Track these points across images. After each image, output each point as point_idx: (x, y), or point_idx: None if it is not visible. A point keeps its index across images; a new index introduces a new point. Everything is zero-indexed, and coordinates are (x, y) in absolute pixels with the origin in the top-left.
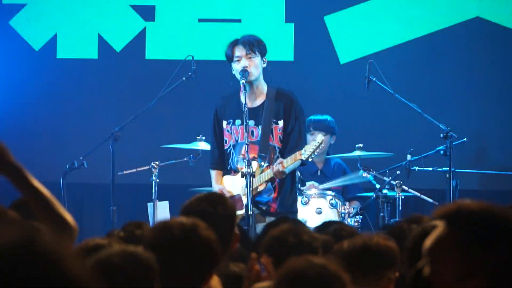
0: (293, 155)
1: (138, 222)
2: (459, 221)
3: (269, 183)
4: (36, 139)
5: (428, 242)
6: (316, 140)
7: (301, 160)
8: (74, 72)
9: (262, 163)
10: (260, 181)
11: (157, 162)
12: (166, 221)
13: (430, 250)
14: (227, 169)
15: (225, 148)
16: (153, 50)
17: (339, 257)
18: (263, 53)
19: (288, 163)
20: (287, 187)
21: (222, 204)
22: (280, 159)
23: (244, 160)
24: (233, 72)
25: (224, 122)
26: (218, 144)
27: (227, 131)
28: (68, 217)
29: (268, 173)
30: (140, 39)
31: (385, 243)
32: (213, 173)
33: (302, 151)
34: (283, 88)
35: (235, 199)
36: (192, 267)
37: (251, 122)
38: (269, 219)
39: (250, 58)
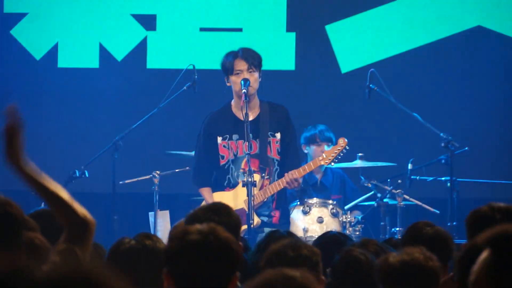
0: (310, 162)
1: (148, 233)
2: (503, 247)
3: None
4: (37, 148)
5: (474, 268)
6: (338, 144)
7: (324, 165)
8: (75, 81)
9: (263, 175)
10: (268, 193)
11: (158, 171)
12: (183, 228)
13: (476, 278)
14: (222, 185)
15: (222, 164)
16: (154, 59)
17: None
18: (260, 68)
19: (306, 171)
20: (285, 198)
21: (227, 214)
22: (294, 170)
23: (245, 174)
24: (229, 84)
25: (219, 138)
26: (208, 160)
27: (224, 146)
28: (85, 213)
29: (275, 186)
30: (141, 48)
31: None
32: (205, 191)
33: (322, 157)
34: (274, 102)
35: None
36: (215, 270)
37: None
38: (267, 230)
39: (251, 72)
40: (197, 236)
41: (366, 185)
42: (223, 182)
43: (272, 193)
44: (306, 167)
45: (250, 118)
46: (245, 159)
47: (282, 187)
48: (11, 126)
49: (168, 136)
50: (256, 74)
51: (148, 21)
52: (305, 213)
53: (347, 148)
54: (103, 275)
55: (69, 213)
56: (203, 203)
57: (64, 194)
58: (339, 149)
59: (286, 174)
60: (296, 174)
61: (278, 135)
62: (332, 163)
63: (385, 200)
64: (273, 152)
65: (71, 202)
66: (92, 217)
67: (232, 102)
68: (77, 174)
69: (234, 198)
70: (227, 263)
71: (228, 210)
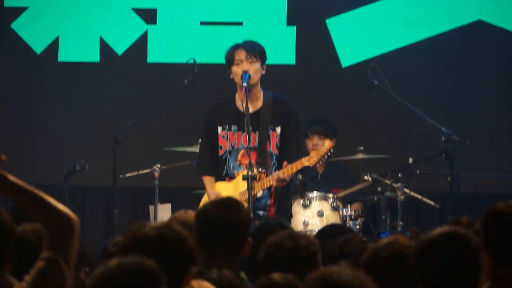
0: (297, 162)
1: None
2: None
3: (266, 189)
4: (38, 143)
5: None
6: (324, 146)
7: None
8: (76, 75)
9: (260, 169)
10: (259, 188)
11: (158, 165)
12: (139, 223)
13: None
14: (222, 176)
15: (220, 154)
16: (154, 53)
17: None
18: (263, 60)
19: (293, 171)
20: (284, 192)
21: (238, 210)
22: (284, 167)
23: (241, 166)
24: (232, 76)
25: (219, 128)
26: (211, 149)
27: (222, 137)
28: (67, 211)
29: (267, 180)
30: (141, 42)
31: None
32: (207, 180)
33: (308, 157)
34: (279, 95)
35: None
36: (169, 265)
37: None
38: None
39: (250, 62)
40: (152, 230)
41: (366, 178)
42: (222, 173)
43: (262, 188)
44: (293, 166)
45: (251, 111)
46: (241, 152)
47: (271, 184)
48: None
49: (168, 130)
50: (256, 65)
51: (148, 15)
52: (305, 206)
53: (332, 151)
54: None
55: (50, 210)
56: (205, 194)
57: (41, 193)
58: (324, 152)
59: (273, 174)
60: (282, 174)
61: (278, 130)
62: (318, 165)
63: (385, 193)
64: (272, 147)
65: (50, 199)
66: (75, 215)
67: (236, 94)
68: (78, 168)
69: (233, 189)
70: (182, 258)
71: (239, 207)
